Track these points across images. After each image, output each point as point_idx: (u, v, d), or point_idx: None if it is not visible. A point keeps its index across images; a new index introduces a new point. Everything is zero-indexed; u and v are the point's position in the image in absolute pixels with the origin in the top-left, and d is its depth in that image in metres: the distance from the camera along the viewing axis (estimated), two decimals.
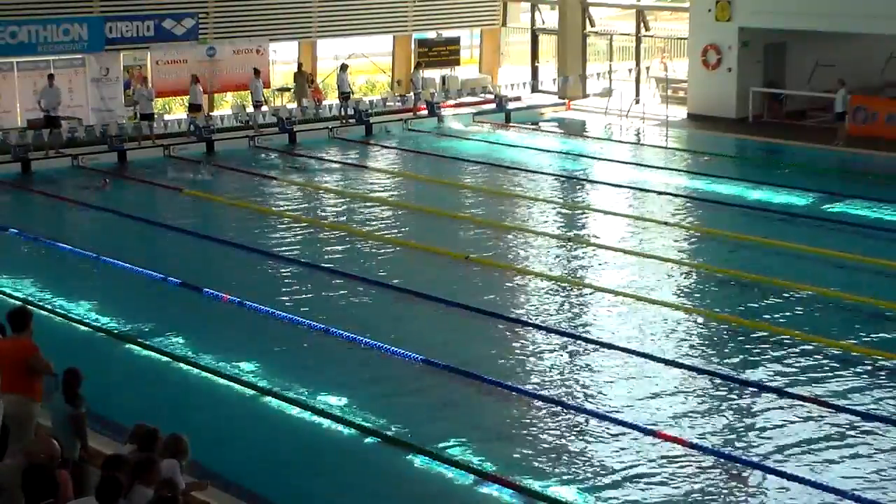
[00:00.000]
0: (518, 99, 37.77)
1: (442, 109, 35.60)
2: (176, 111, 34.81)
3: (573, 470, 12.99)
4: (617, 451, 13.42)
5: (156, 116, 32.42)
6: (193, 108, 32.44)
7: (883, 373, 15.63)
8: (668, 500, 12.29)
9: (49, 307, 18.24)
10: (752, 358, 16.22)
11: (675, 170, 29.31)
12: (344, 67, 35.67)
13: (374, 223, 23.72)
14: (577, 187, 27.54)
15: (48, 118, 29.93)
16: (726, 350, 16.64)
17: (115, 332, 17.37)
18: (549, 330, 17.47)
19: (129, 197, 26.69)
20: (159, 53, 33.07)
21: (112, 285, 19.94)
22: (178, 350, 16.59)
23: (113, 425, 12.90)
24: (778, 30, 33.49)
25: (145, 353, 16.54)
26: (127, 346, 16.88)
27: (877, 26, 31.34)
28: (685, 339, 17.11)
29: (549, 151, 31.38)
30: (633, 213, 24.82)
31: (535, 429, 14.10)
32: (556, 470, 12.98)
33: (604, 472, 12.90)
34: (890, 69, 34.06)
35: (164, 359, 16.27)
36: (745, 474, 12.82)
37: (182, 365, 16.06)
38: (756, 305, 18.56)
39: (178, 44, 33.43)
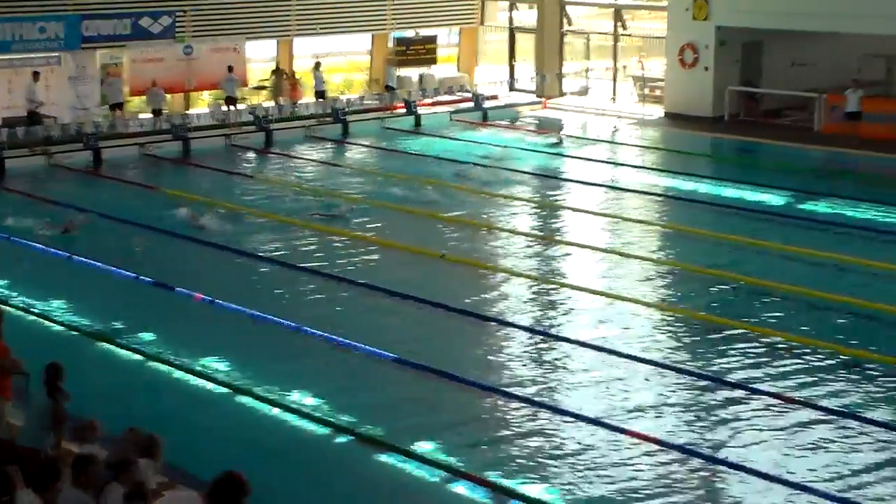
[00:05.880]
0: (495, 97, 37.82)
1: (419, 108, 35.61)
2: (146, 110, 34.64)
3: (545, 467, 13.02)
4: (588, 449, 13.44)
5: (125, 107, 32.61)
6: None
7: (855, 370, 15.68)
8: (639, 497, 12.33)
9: (21, 306, 18.19)
10: (726, 356, 16.25)
11: (652, 168, 29.39)
12: (317, 65, 35.72)
13: (349, 221, 23.68)
14: (554, 186, 27.54)
15: (31, 114, 29.90)
16: (700, 348, 16.69)
17: (88, 330, 17.34)
18: (523, 328, 17.51)
19: (104, 195, 26.58)
20: (136, 52, 32.99)
21: (84, 284, 19.88)
22: (150, 349, 16.55)
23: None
24: (755, 29, 33.58)
25: (118, 351, 16.51)
26: (100, 344, 16.84)
27: (852, 25, 31.47)
28: (660, 337, 17.17)
29: (525, 150, 31.38)
30: (610, 212, 24.88)
31: (508, 426, 14.13)
32: (528, 467, 13.01)
33: (575, 469, 12.92)
34: (865, 68, 34.16)
35: (137, 357, 16.25)
36: (715, 471, 12.88)
37: (155, 364, 16.03)
38: (731, 303, 18.63)
39: (156, 42, 33.36)
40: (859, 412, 14.31)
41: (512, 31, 41.23)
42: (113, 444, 10.16)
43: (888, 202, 24.79)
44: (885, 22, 30.74)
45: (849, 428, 13.92)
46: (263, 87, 36.81)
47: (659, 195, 26.35)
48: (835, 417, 14.16)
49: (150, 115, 32.70)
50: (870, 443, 13.60)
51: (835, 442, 13.59)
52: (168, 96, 33.93)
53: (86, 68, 32.40)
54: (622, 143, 32.63)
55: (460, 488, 12.56)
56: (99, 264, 20.57)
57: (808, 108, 33.30)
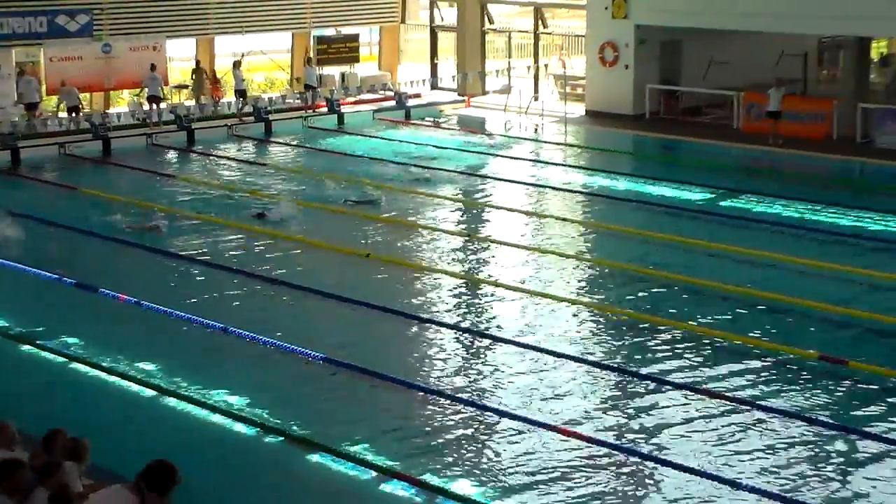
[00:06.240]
0: (418, 96, 37.84)
1: (342, 106, 35.53)
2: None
3: (475, 466, 13.01)
4: (518, 447, 13.45)
5: (40, 106, 32.09)
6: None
7: (783, 367, 15.82)
8: (570, 495, 12.35)
9: None
10: (653, 353, 16.35)
11: (574, 166, 29.55)
12: (237, 64, 35.49)
13: (273, 221, 23.53)
14: (477, 184, 27.57)
15: None
16: (627, 345, 16.75)
17: (10, 332, 17.05)
18: (450, 327, 17.50)
19: (24, 196, 26.17)
20: (53, 50, 32.51)
21: (5, 286, 19.56)
22: (74, 351, 16.32)
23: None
24: (673, 28, 33.91)
25: (41, 354, 16.26)
26: (22, 346, 16.57)
27: (768, 24, 31.91)
28: (586, 335, 17.23)
29: (448, 148, 31.40)
30: (534, 210, 24.97)
31: (437, 426, 14.09)
32: (459, 466, 12.99)
33: (505, 468, 12.93)
34: (781, 66, 34.67)
35: (61, 360, 16.00)
36: (645, 468, 12.96)
37: (79, 366, 15.80)
38: (655, 300, 18.72)
39: (73, 40, 32.90)
40: (787, 408, 14.44)
41: (433, 30, 41.29)
42: (36, 448, 10.01)
43: (814, 200, 25.01)
44: (801, 21, 31.22)
45: (783, 425, 13.98)
46: (185, 86, 36.52)
47: (586, 193, 26.49)
48: (770, 415, 14.24)
49: (67, 115, 32.25)
50: (801, 438, 13.74)
51: (769, 439, 13.62)
52: (86, 95, 33.50)
53: (0, 66, 31.86)
54: (546, 141, 32.72)
55: (392, 488, 12.51)
56: (20, 266, 20.24)
57: (727, 106, 33.69)
